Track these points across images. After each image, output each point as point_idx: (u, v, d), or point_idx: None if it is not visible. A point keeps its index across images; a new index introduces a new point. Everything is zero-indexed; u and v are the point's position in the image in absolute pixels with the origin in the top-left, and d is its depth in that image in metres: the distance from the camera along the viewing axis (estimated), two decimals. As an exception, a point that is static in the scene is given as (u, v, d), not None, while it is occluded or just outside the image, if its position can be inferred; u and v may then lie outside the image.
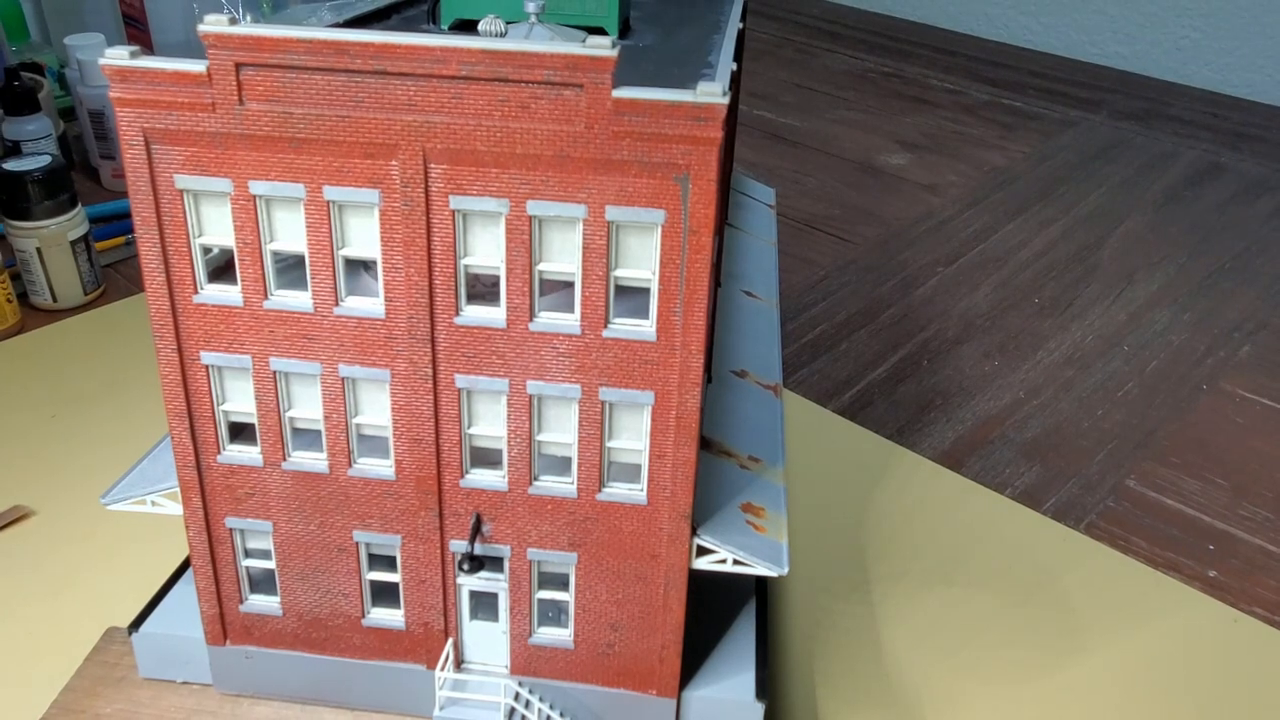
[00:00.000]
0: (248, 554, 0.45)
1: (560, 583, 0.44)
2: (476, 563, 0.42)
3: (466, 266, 0.37)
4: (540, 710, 0.45)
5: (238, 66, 0.34)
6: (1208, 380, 0.79)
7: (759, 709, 0.45)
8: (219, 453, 0.42)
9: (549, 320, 0.38)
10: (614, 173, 0.35)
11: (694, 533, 0.41)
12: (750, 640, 0.49)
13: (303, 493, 0.42)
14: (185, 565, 0.52)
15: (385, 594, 0.45)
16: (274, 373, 0.40)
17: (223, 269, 0.40)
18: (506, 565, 0.43)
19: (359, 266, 0.40)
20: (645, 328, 0.38)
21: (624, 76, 0.34)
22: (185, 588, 0.51)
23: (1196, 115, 1.34)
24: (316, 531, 0.43)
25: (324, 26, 0.42)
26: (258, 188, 0.37)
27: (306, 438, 0.42)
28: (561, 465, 0.41)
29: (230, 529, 0.44)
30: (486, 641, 0.46)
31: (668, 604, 0.43)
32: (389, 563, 0.44)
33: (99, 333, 0.78)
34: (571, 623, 0.44)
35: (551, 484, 0.41)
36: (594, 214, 0.36)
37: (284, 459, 0.42)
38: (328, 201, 0.37)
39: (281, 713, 0.48)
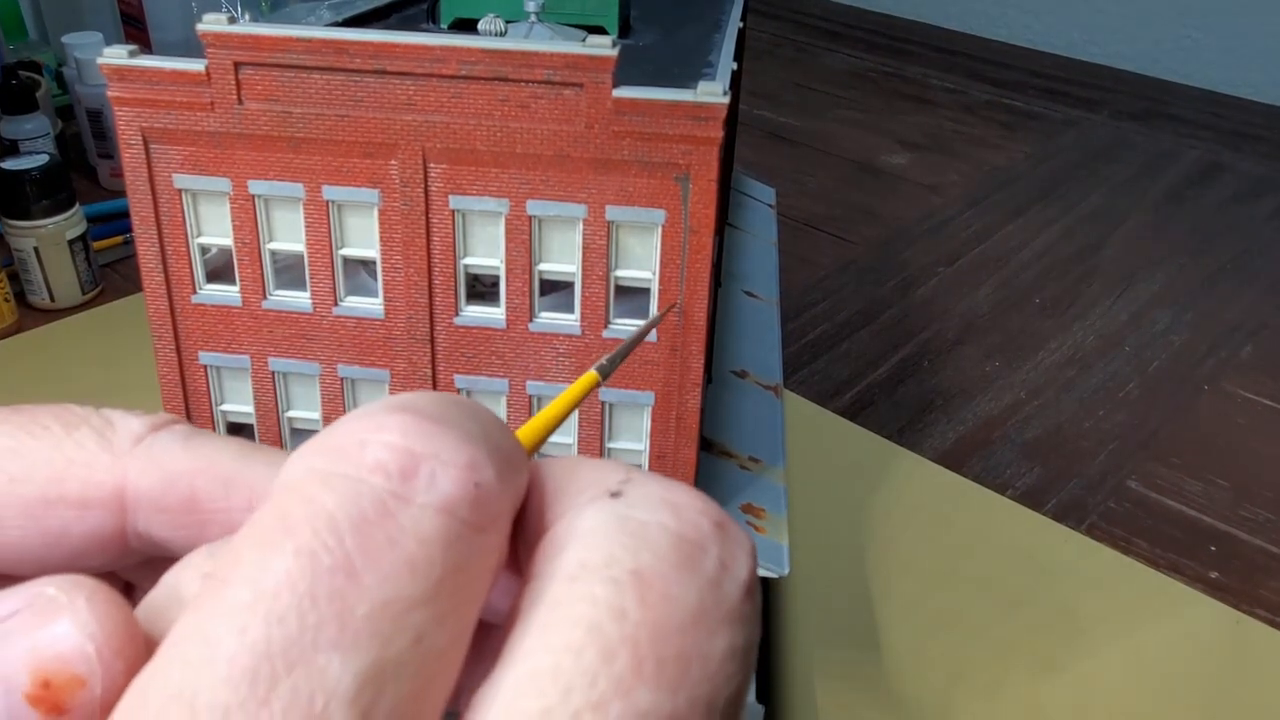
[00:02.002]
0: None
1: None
2: None
3: (466, 266, 0.37)
4: None
5: (236, 66, 0.34)
6: (1209, 381, 0.79)
7: (759, 711, 0.45)
8: (217, 453, 0.42)
9: (549, 320, 0.38)
10: (614, 173, 0.35)
11: (694, 534, 0.41)
12: (750, 642, 0.48)
13: (301, 494, 0.42)
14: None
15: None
16: (273, 373, 0.40)
17: (221, 269, 0.39)
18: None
19: (358, 266, 0.39)
20: (646, 328, 0.37)
21: (624, 76, 0.34)
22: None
23: (1197, 115, 1.34)
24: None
25: (323, 26, 0.42)
26: (256, 187, 0.36)
27: (306, 438, 0.42)
28: (561, 466, 0.41)
29: (228, 530, 0.44)
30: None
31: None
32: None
33: (97, 332, 0.78)
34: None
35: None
36: (594, 214, 0.35)
37: (282, 460, 0.42)
38: (327, 201, 0.36)
39: None
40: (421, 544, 0.12)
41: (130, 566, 0.17)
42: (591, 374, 0.18)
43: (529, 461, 0.14)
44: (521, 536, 0.14)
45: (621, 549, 0.12)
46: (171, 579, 0.14)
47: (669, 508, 0.13)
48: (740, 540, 0.13)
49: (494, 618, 0.13)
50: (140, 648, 0.12)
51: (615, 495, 0.13)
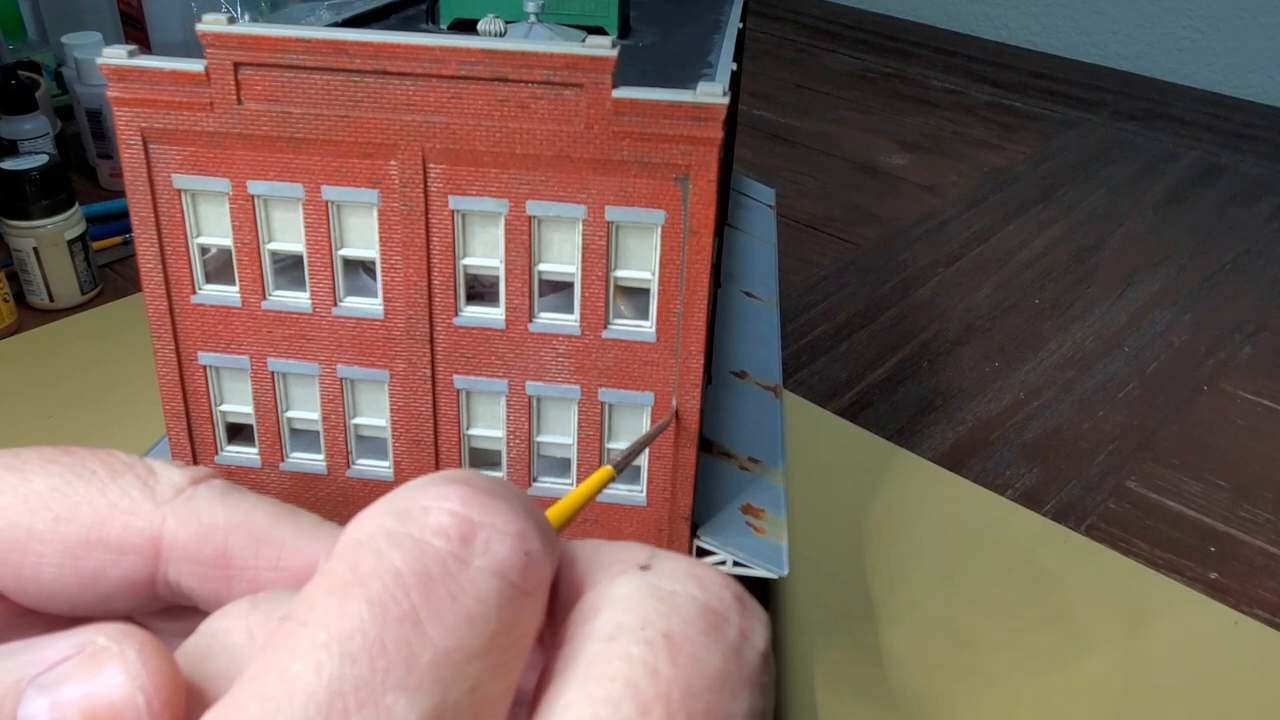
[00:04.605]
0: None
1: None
2: None
3: (465, 267, 0.37)
4: None
5: (236, 66, 0.34)
6: (1208, 381, 0.79)
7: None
8: (217, 454, 0.42)
9: (548, 321, 0.38)
10: (614, 173, 0.35)
11: (694, 534, 0.41)
12: (750, 642, 0.48)
13: (301, 494, 0.42)
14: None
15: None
16: (272, 373, 0.40)
17: (221, 269, 0.39)
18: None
19: (357, 267, 0.39)
20: (645, 328, 0.37)
21: (624, 76, 0.34)
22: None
23: (1197, 116, 1.34)
24: (314, 533, 0.43)
25: (322, 26, 0.42)
26: (256, 187, 0.36)
27: (305, 438, 0.42)
28: (561, 466, 0.41)
29: (228, 530, 0.44)
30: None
31: (667, 606, 0.43)
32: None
33: (96, 333, 0.78)
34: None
35: (551, 485, 0.41)
36: (594, 214, 0.35)
37: (282, 460, 0.42)
38: (326, 201, 0.36)
39: None
40: (479, 602, 0.13)
41: (148, 612, 0.17)
42: (606, 469, 0.21)
43: (559, 540, 0.15)
44: (551, 610, 0.15)
45: (654, 614, 0.13)
46: (212, 628, 0.15)
47: (695, 580, 0.14)
48: (758, 614, 0.14)
49: (518, 695, 0.14)
50: (185, 698, 0.13)
51: (644, 568, 0.14)
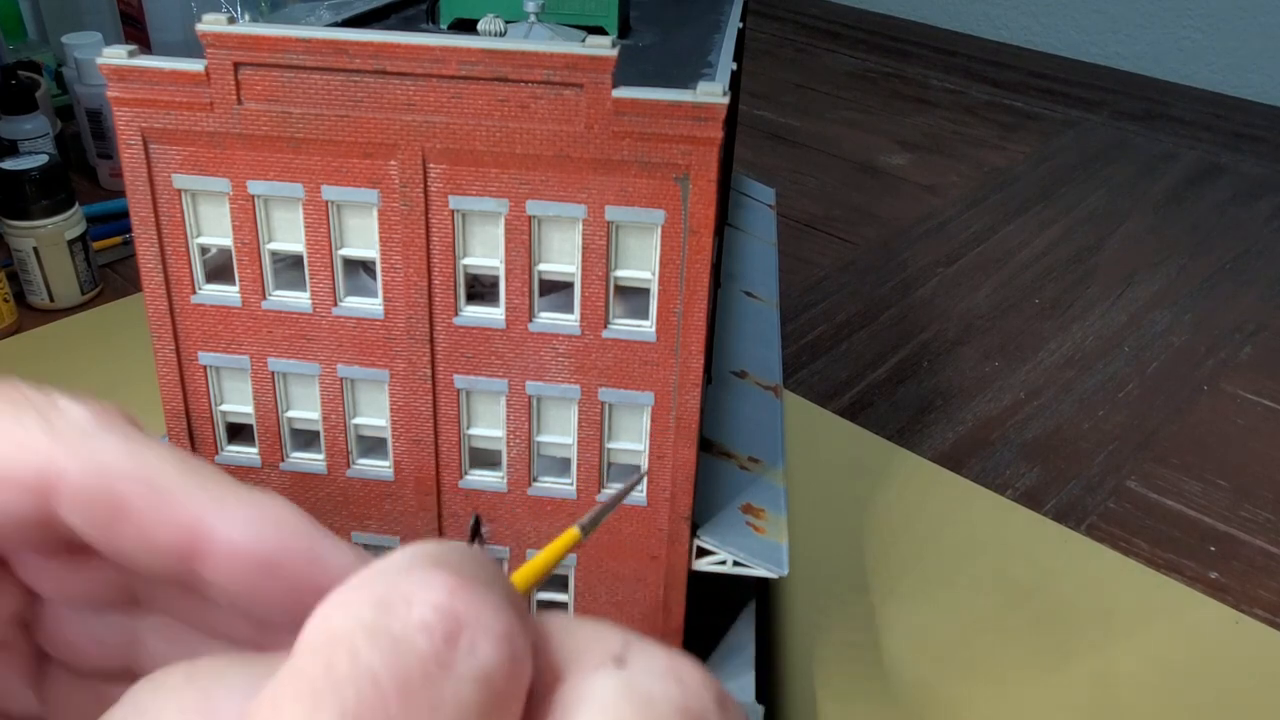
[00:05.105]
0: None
1: (559, 585, 0.44)
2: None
3: (465, 267, 0.37)
4: None
5: (236, 66, 0.34)
6: (1209, 381, 0.79)
7: (759, 711, 0.45)
8: (217, 454, 0.42)
9: (548, 321, 0.38)
10: (614, 173, 0.35)
11: (694, 534, 0.41)
12: (750, 642, 0.48)
13: (301, 494, 0.42)
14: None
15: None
16: (272, 373, 0.40)
17: (221, 269, 0.39)
18: (505, 567, 0.43)
19: (358, 266, 0.39)
20: (645, 328, 0.37)
21: (624, 76, 0.34)
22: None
23: (1197, 116, 1.34)
24: (315, 533, 0.43)
25: (322, 26, 0.42)
26: (256, 187, 0.36)
27: (305, 438, 0.42)
28: (561, 466, 0.41)
29: (228, 530, 0.44)
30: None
31: (667, 606, 0.43)
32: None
33: (96, 333, 0.78)
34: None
35: (551, 485, 0.41)
36: (594, 214, 0.35)
37: (282, 460, 0.42)
38: (326, 201, 0.36)
39: None
40: (460, 711, 0.12)
41: (46, 553, 0.17)
42: (573, 531, 0.20)
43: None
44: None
45: (633, 718, 0.13)
46: (140, 701, 0.14)
47: (674, 679, 0.13)
48: (739, 716, 0.14)
49: None
50: None
51: (620, 661, 0.14)
